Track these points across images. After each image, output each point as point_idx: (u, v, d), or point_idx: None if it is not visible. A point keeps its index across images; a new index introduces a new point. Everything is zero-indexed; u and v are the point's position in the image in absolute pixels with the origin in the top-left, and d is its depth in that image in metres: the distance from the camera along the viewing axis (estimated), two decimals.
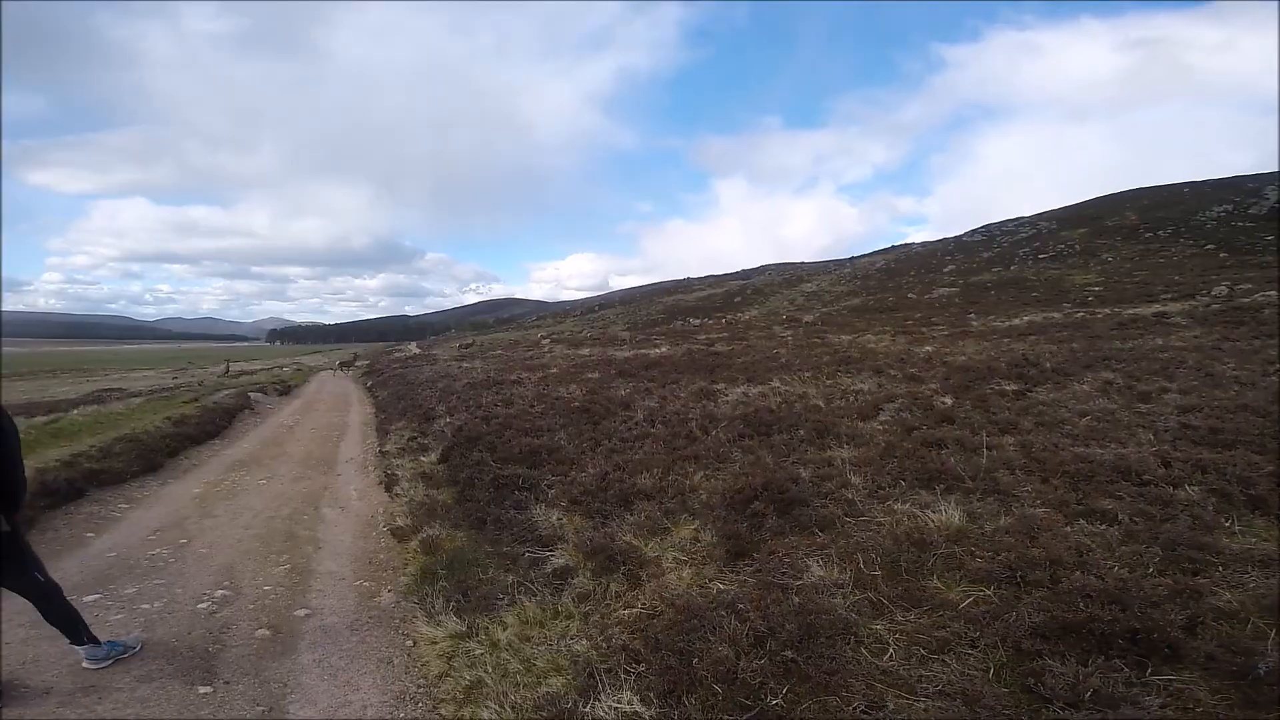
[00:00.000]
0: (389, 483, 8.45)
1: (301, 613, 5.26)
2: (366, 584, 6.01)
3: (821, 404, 8.53)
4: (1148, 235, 47.02)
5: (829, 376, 10.85)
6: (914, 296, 44.91)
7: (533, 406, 10.19)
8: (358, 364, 47.98)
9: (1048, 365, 10.02)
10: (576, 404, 9.52)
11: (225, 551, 6.88)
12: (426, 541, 5.83)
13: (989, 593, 3.60)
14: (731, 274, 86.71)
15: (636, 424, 8.05)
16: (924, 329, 25.24)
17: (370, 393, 24.49)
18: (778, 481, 4.96)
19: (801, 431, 7.04)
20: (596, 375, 13.63)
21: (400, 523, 6.57)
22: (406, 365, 31.20)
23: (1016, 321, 22.37)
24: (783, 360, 13.27)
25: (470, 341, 53.36)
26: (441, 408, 11.80)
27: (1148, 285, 33.97)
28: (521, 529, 5.43)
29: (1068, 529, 4.25)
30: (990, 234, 57.76)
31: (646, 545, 4.78)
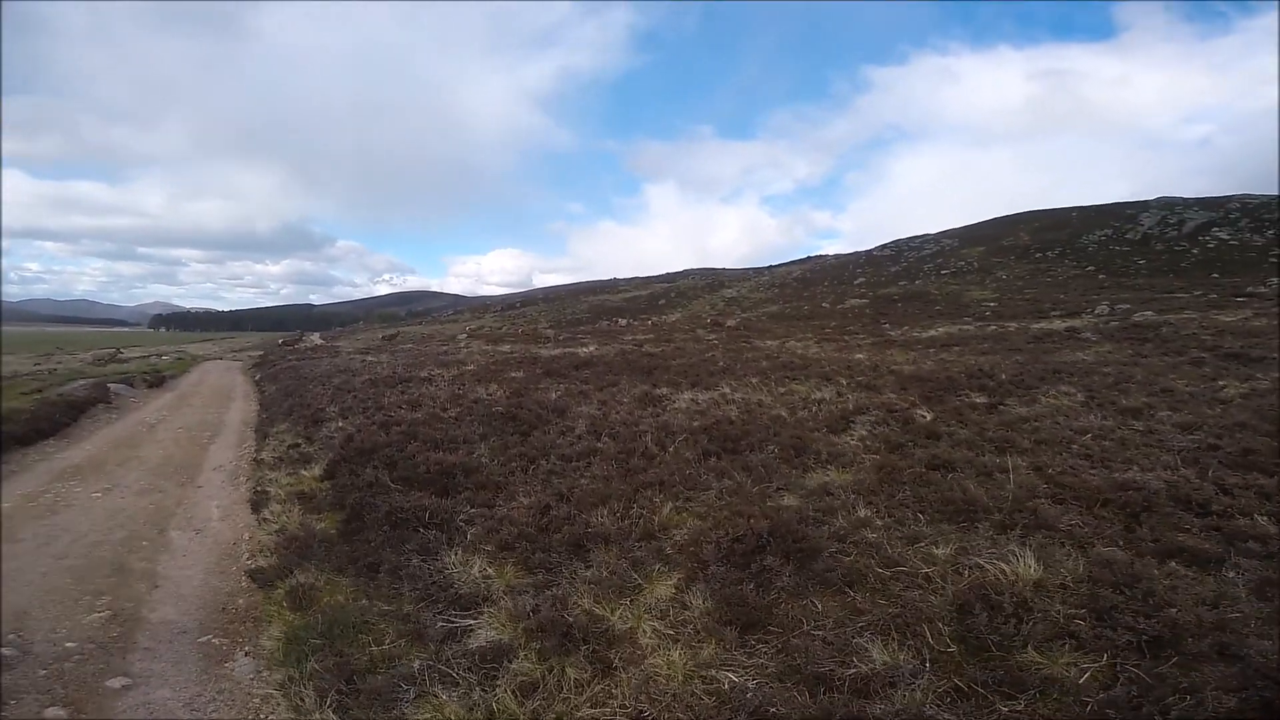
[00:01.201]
0: (258, 502, 6.66)
1: (117, 683, 3.78)
2: (216, 641, 4.39)
3: (785, 415, 7.45)
4: (1038, 255, 49.94)
5: (777, 383, 9.88)
6: (828, 306, 45.67)
7: (445, 410, 8.57)
8: (250, 354, 43.40)
9: (1004, 377, 9.44)
10: (500, 409, 7.99)
11: (21, 591, 5.05)
12: (298, 592, 4.24)
13: (1107, 664, 2.57)
14: (657, 276, 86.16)
15: (578, 436, 6.66)
16: (845, 337, 25.15)
17: (258, 386, 21.67)
18: (785, 524, 3.72)
19: (774, 448, 5.89)
20: (521, 374, 12.09)
21: (263, 562, 4.90)
22: (304, 357, 28.14)
23: (934, 333, 22.52)
24: (721, 364, 12.23)
25: (395, 332, 49.40)
26: (333, 409, 9.91)
27: (1037, 302, 35.77)
28: (430, 583, 3.93)
29: (1156, 572, 3.29)
30: (898, 249, 59.92)
31: (613, 612, 3.44)
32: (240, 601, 5.05)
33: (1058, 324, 21.05)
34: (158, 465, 9.54)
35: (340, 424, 8.79)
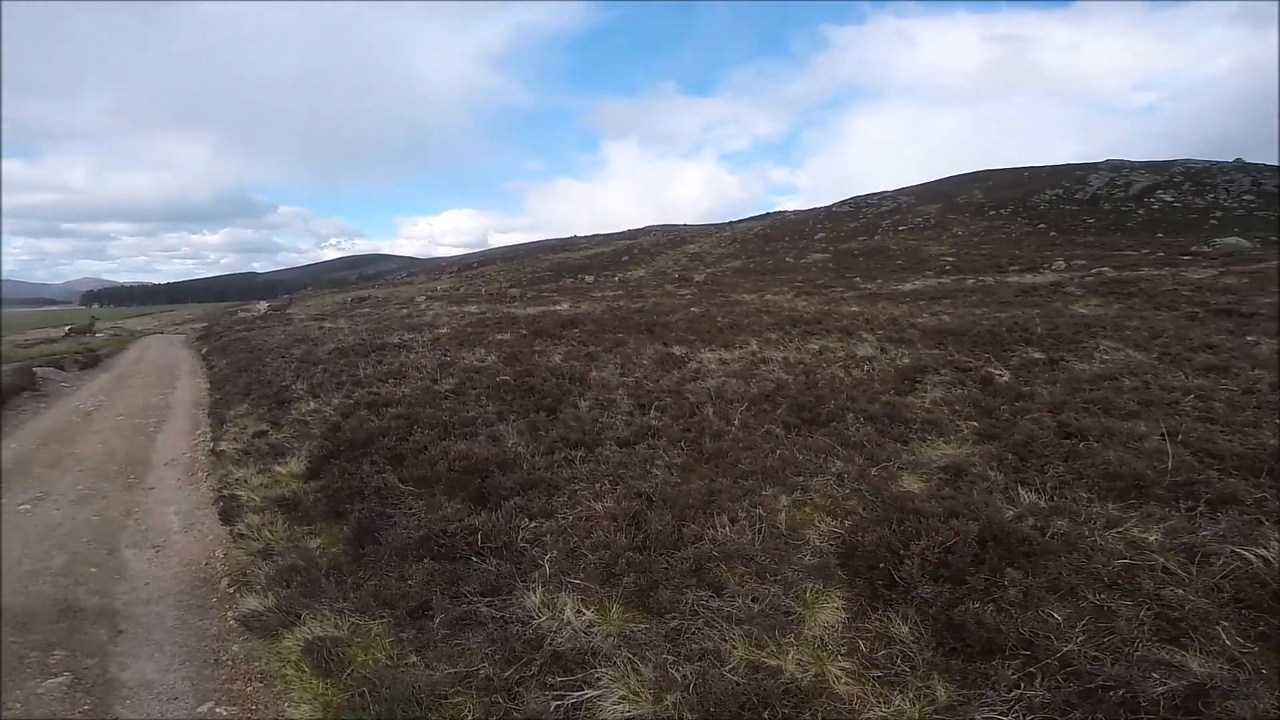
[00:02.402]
0: (229, 510, 5.42)
1: None
2: (223, 715, 3.34)
3: (842, 375, 6.53)
4: (991, 213, 50.36)
5: (798, 339, 8.98)
6: (791, 260, 45.12)
7: (437, 382, 7.35)
8: (193, 326, 40.30)
9: (1039, 330, 8.73)
10: (506, 378, 6.82)
11: None
12: (321, 649, 3.11)
13: None
14: (618, 234, 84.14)
15: (622, 411, 5.58)
16: (824, 290, 24.51)
17: (205, 361, 19.72)
18: (1000, 524, 2.81)
19: (857, 417, 4.96)
20: (508, 336, 10.86)
21: (256, 602, 3.74)
22: (252, 327, 25.94)
23: (915, 285, 22.03)
24: (724, 320, 11.25)
25: (365, 295, 46.15)
26: (300, 385, 8.53)
27: (994, 258, 35.95)
28: (511, 635, 2.87)
29: None
30: (857, 205, 59.68)
31: (780, 655, 2.49)
32: (235, 649, 3.89)
33: (1038, 278, 20.74)
34: (98, 463, 8.06)
35: (312, 404, 7.48)
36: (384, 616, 3.13)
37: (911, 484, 4.12)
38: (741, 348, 8.52)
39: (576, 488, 4.17)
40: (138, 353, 26.13)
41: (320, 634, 3.12)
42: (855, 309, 14.83)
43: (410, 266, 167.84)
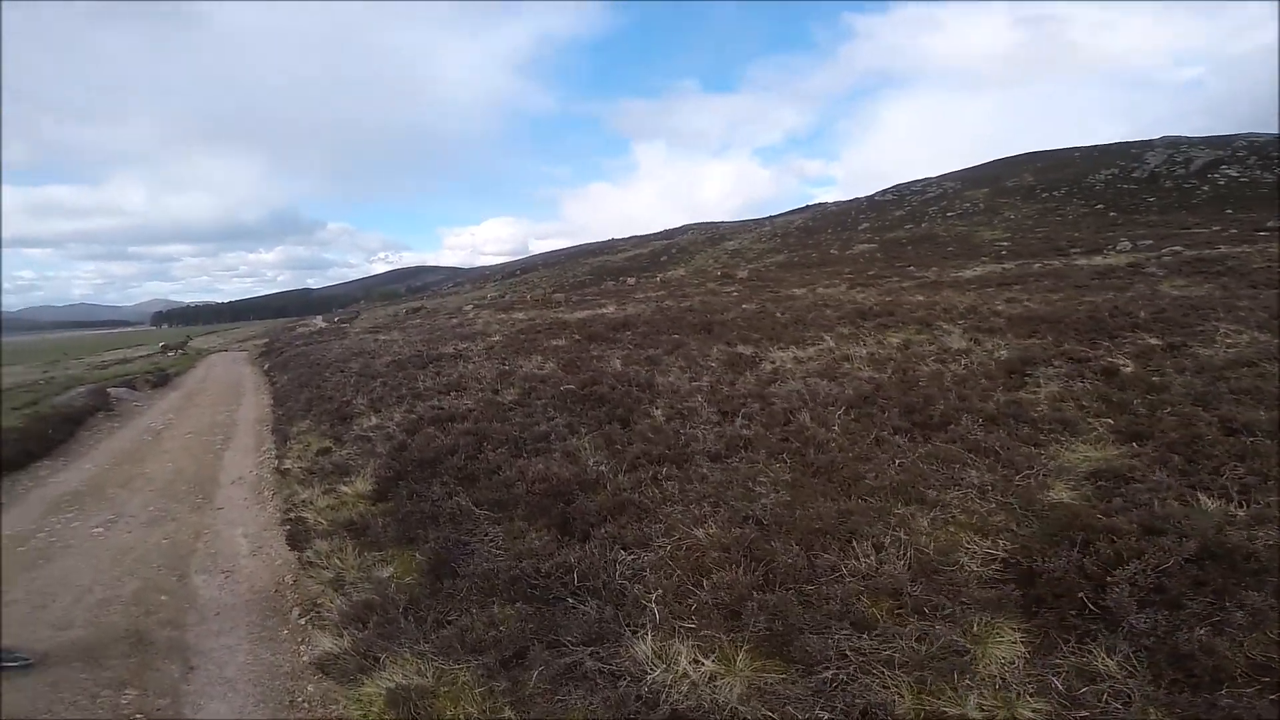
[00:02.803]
0: (296, 535, 5.19)
1: None
2: None
3: (941, 370, 5.95)
4: (1044, 195, 48.09)
5: (872, 333, 8.37)
6: (836, 252, 43.88)
7: (498, 392, 7.04)
8: (255, 343, 41.60)
9: (1143, 315, 7.92)
10: (571, 387, 6.45)
11: (17, 687, 3.75)
12: (405, 698, 2.75)
13: None
14: (655, 234, 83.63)
15: (704, 420, 5.13)
16: (876, 280, 23.55)
17: (268, 377, 20.10)
18: (1217, 539, 2.29)
19: (974, 418, 4.40)
20: (562, 342, 10.54)
21: (331, 644, 3.42)
22: (310, 342, 26.49)
23: (977, 272, 20.92)
24: (785, 316, 10.69)
25: (419, 306, 46.75)
26: (362, 400, 8.36)
27: (1052, 241, 34.09)
28: (623, 691, 2.47)
29: None
30: (900, 194, 57.81)
31: (961, 703, 2.04)
32: (310, 689, 3.63)
33: (1110, 259, 19.41)
34: (167, 483, 8.04)
35: (373, 420, 7.27)
36: (472, 663, 2.75)
37: (1061, 493, 3.56)
38: (814, 344, 7.97)
39: (670, 510, 3.72)
40: (204, 370, 26.97)
41: (403, 681, 2.77)
42: (920, 298, 14.05)
43: (455, 277, 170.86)
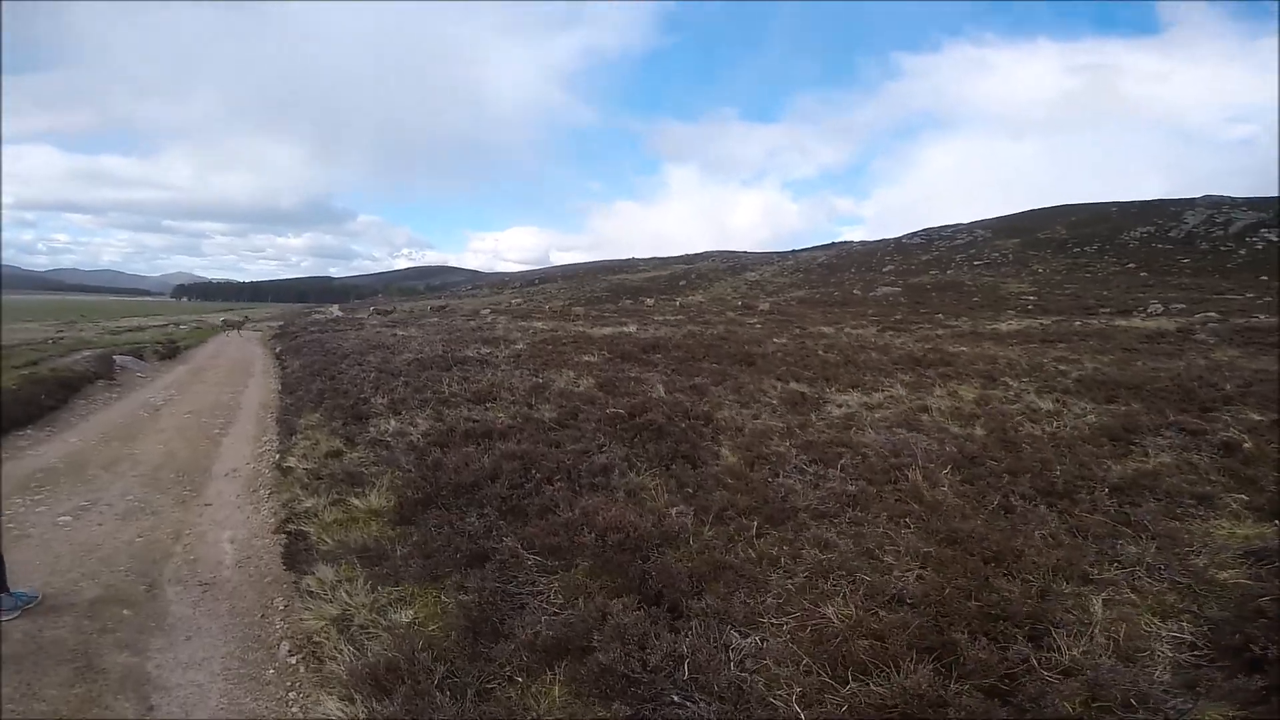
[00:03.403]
0: (294, 552, 4.36)
1: None
2: None
3: (1038, 433, 5.14)
4: (1075, 250, 47.22)
5: (936, 383, 7.56)
6: (859, 293, 43.15)
7: (532, 405, 6.22)
8: (269, 325, 41.04)
9: (1228, 387, 7.09)
10: (620, 411, 5.62)
11: None
12: None
13: None
14: (676, 258, 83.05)
15: (792, 467, 4.29)
16: (907, 326, 22.71)
17: (279, 360, 19.39)
18: None
19: (1100, 489, 3.62)
20: (594, 358, 9.74)
21: (338, 711, 2.59)
22: (326, 330, 25.84)
23: (1012, 325, 20.08)
24: (831, 357, 9.86)
25: (444, 304, 45.83)
26: (380, 399, 7.56)
27: (1080, 299, 33.19)
28: None
29: None
30: (929, 238, 57.18)
31: None
32: None
33: (1160, 323, 18.52)
34: (155, 468, 7.24)
35: (393, 423, 6.45)
36: None
37: (1228, 571, 3.03)
38: (878, 390, 7.16)
39: (778, 580, 2.90)
40: (215, 347, 26.34)
41: None
42: (965, 349, 13.21)
43: (475, 280, 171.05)
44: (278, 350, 22.20)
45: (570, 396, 6.67)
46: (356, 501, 4.69)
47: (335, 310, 49.31)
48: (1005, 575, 2.83)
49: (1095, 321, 20.73)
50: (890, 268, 50.88)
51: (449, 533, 3.55)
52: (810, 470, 4.45)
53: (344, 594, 3.57)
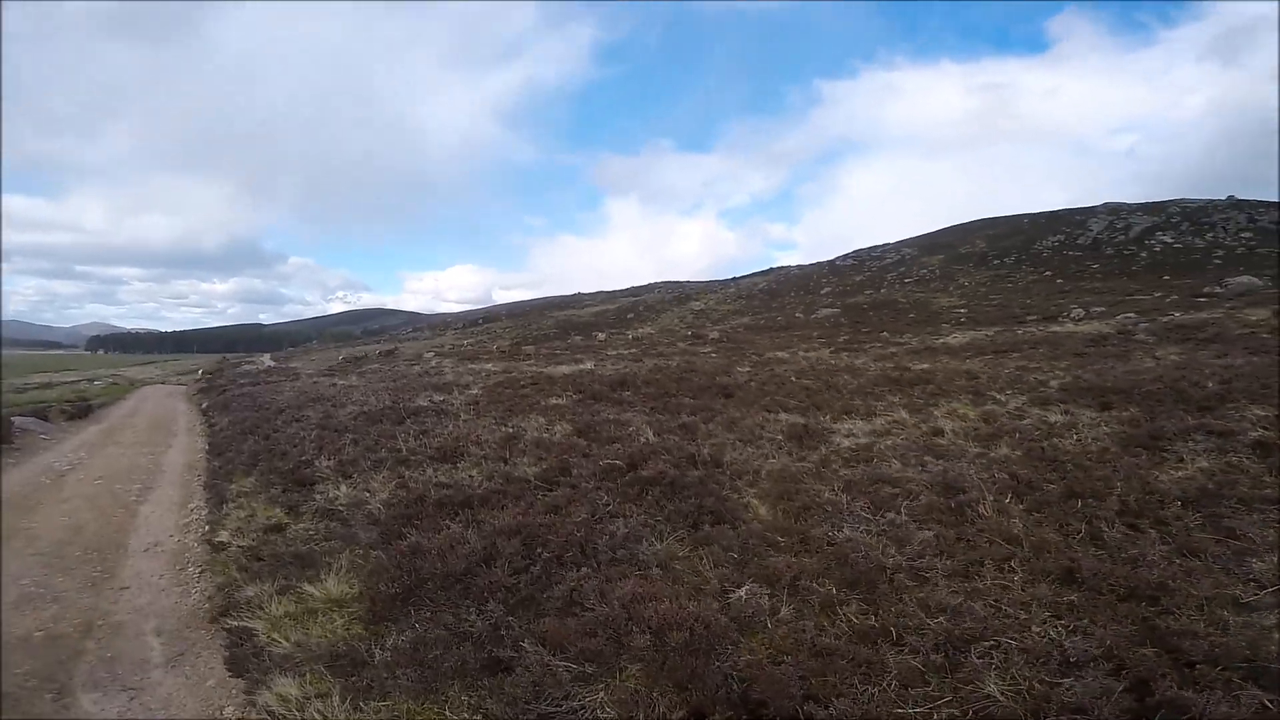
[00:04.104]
0: (241, 659, 3.50)
1: None
2: None
3: (1070, 446, 4.82)
4: (995, 262, 49.46)
5: (926, 404, 7.27)
6: (801, 316, 43.75)
7: (507, 460, 5.50)
8: (195, 377, 38.14)
9: (1210, 386, 7.07)
10: (616, 463, 4.93)
11: None
12: None
13: None
14: (622, 291, 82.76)
15: (849, 514, 3.71)
16: (859, 346, 22.93)
17: (206, 417, 17.77)
18: None
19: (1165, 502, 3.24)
20: (562, 400, 9.06)
21: None
22: (258, 381, 24.05)
23: (959, 339, 20.51)
24: (810, 383, 9.49)
25: (393, 349, 43.17)
26: (326, 461, 6.65)
27: (1007, 308, 34.57)
28: None
29: None
30: (860, 259, 59.01)
31: None
32: None
33: (1099, 326, 19.24)
34: (57, 544, 6.11)
35: (344, 489, 5.60)
36: None
37: None
38: (874, 415, 6.79)
39: (893, 656, 2.32)
40: (134, 403, 24.15)
41: None
42: (927, 365, 13.20)
43: (414, 322, 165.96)
44: (204, 405, 20.43)
45: (549, 447, 5.97)
46: (311, 589, 3.86)
47: (267, 360, 46.35)
48: (1162, 613, 2.39)
49: (1032, 329, 21.40)
50: (827, 290, 52.12)
51: (445, 635, 2.82)
52: (869, 516, 3.91)
53: (316, 715, 2.79)
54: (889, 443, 5.85)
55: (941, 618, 2.62)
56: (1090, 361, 12.09)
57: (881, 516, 3.91)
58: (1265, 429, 5.33)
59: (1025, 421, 6.30)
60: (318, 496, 5.61)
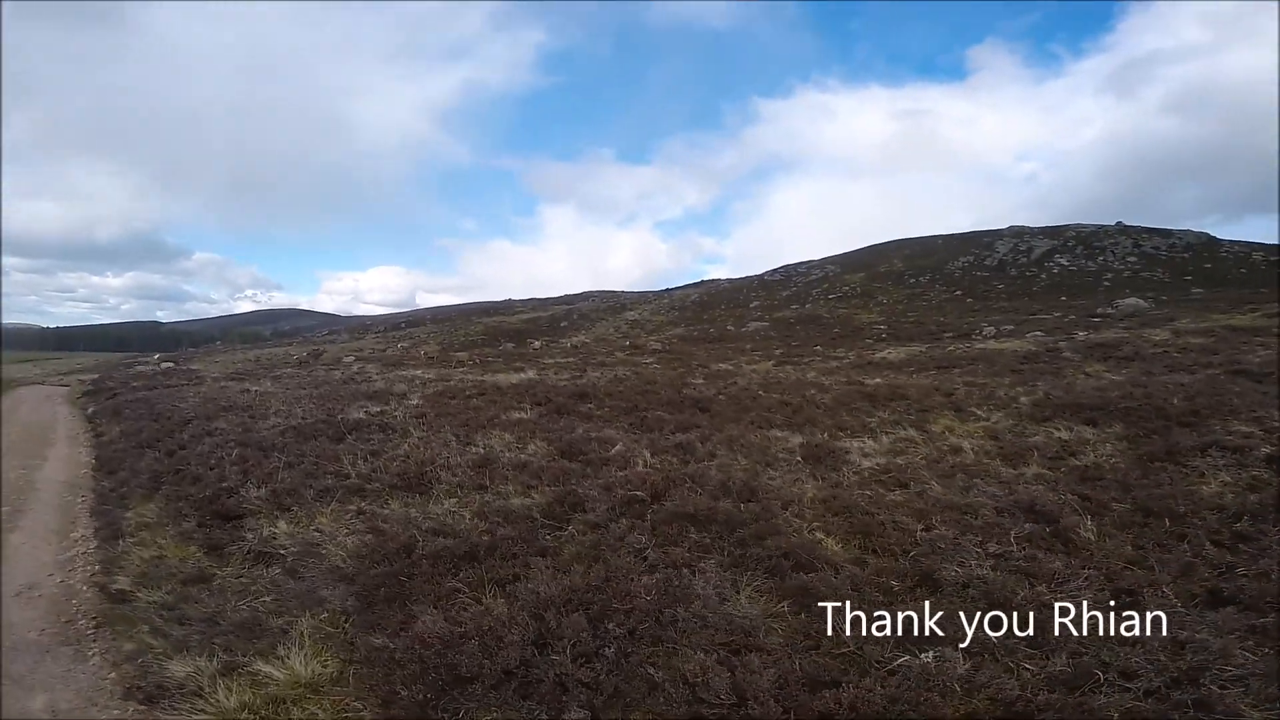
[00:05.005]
0: None
1: None
2: None
3: (1102, 463, 4.50)
4: (911, 281, 51.76)
5: (920, 423, 6.96)
6: (732, 329, 44.12)
7: (486, 489, 4.63)
8: (79, 377, 33.83)
9: (1175, 402, 7.14)
10: (639, 494, 4.13)
11: None
12: None
13: None
14: (555, 298, 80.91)
15: (963, 550, 3.09)
16: (800, 360, 23.05)
17: (91, 424, 15.43)
18: None
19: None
20: (527, 415, 8.16)
21: None
22: (155, 385, 21.38)
23: (895, 354, 20.94)
24: (777, 397, 9.04)
25: (321, 350, 39.48)
26: (255, 489, 5.48)
27: (923, 324, 36.14)
28: None
29: None
30: (788, 274, 60.41)
31: None
32: None
33: (1022, 344, 20.05)
34: None
35: (284, 526, 4.54)
36: None
37: None
38: (881, 433, 6.39)
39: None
40: (6, 405, 20.92)
41: None
42: (877, 380, 13.15)
43: (331, 324, 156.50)
44: (90, 411, 17.85)
45: (534, 472, 5.12)
46: (268, 668, 2.89)
47: (156, 359, 41.62)
48: None
49: (953, 346, 22.15)
50: (756, 304, 52.94)
51: None
52: (979, 549, 3.37)
53: None
54: (907, 461, 5.45)
55: (1162, 655, 2.17)
56: (1028, 378, 12.39)
57: (983, 548, 3.41)
58: (1276, 445, 5.30)
59: (1036, 438, 6.10)
60: (248, 535, 4.52)
